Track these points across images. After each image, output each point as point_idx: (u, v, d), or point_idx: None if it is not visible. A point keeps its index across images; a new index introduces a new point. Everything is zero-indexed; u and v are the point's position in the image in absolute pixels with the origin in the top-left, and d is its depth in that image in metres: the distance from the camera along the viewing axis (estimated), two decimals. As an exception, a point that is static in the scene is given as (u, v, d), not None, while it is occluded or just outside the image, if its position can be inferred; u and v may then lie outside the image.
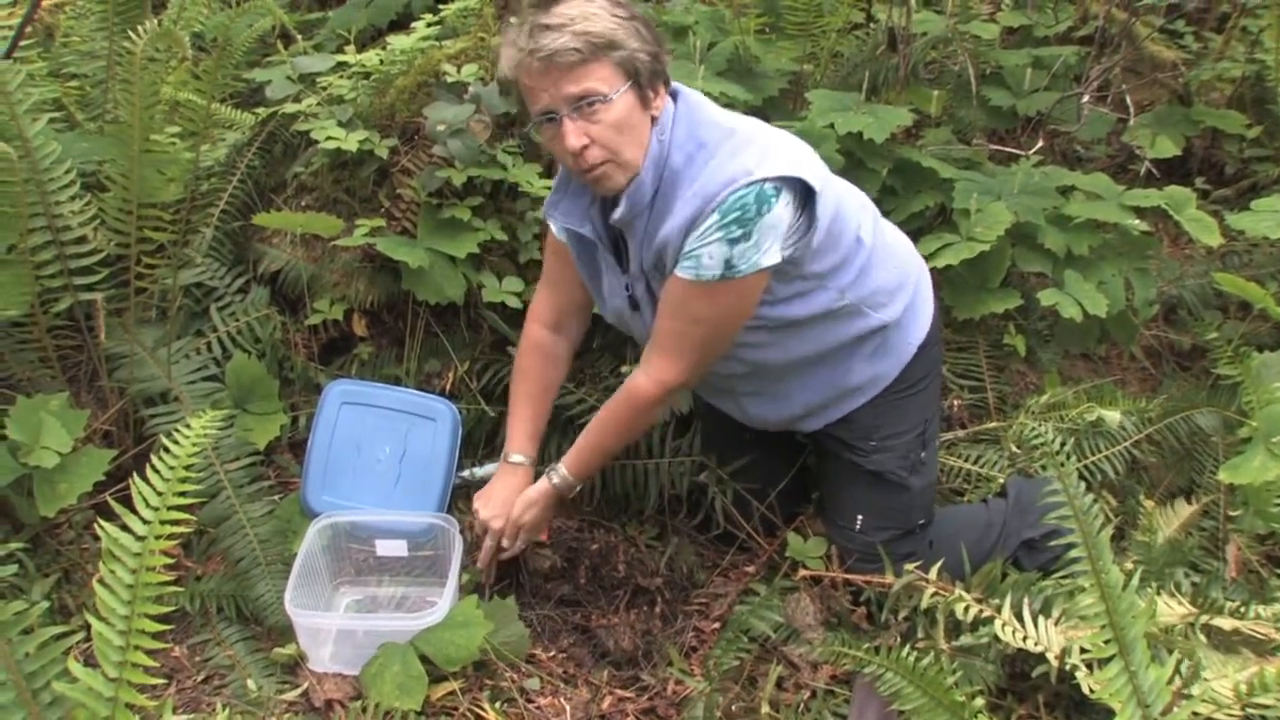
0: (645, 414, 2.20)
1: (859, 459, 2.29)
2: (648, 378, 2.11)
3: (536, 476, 2.32)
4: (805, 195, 1.95)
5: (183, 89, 2.90)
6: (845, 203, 2.10)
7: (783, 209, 1.90)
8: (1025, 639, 1.91)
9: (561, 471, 2.26)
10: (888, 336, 2.21)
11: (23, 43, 2.44)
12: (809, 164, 1.98)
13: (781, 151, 1.94)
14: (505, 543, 2.31)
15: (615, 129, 1.91)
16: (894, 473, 2.28)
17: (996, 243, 2.80)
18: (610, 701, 2.21)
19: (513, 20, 1.96)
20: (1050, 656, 1.86)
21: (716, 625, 2.40)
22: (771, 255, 1.93)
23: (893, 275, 2.20)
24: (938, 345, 2.34)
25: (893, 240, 2.27)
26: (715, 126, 1.98)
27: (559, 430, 2.75)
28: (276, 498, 2.58)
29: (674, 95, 2.02)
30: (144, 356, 2.60)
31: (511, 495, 2.30)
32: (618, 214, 2.01)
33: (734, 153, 1.91)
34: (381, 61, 2.93)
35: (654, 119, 1.96)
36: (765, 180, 1.87)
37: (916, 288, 2.27)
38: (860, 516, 2.31)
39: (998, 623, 1.94)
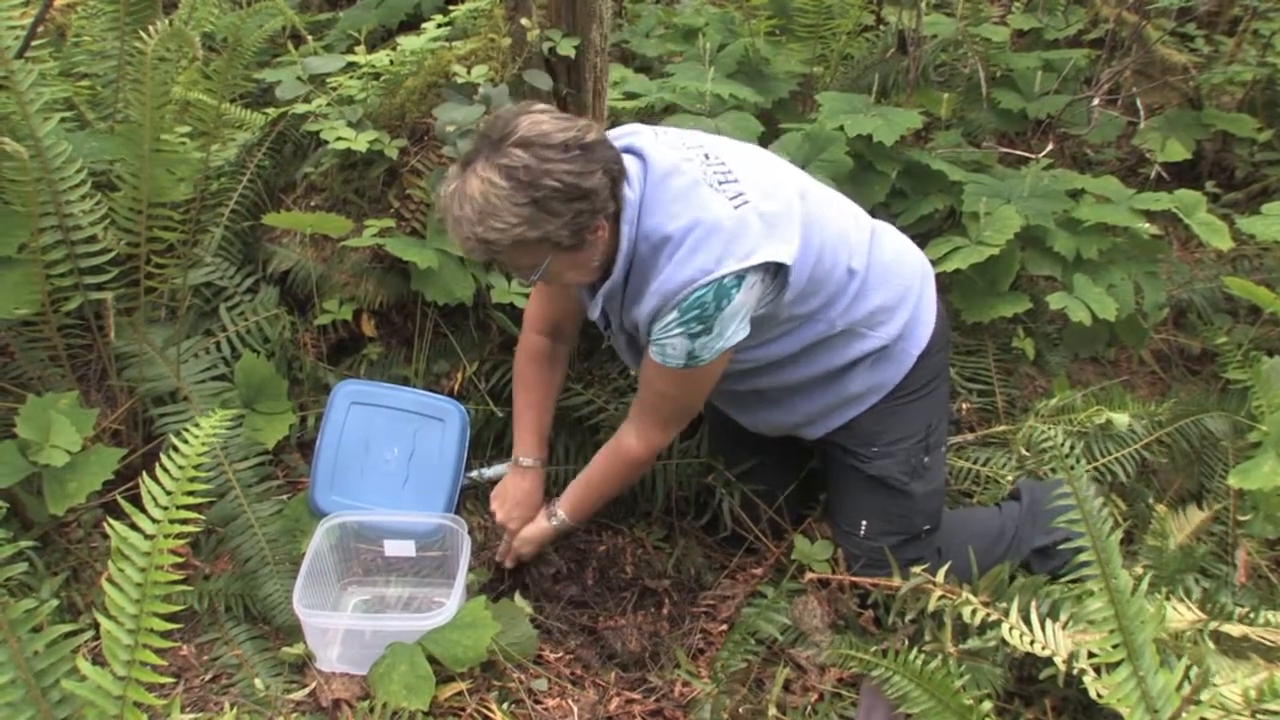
0: (636, 470, 2.32)
1: (861, 464, 2.29)
2: (636, 439, 2.21)
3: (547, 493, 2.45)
4: (776, 268, 1.96)
5: (193, 89, 2.91)
6: (830, 241, 2.08)
7: (745, 294, 1.93)
8: (1033, 643, 1.90)
9: (560, 515, 2.35)
10: (890, 349, 2.21)
11: (35, 42, 2.44)
12: (782, 229, 1.96)
13: (750, 234, 1.91)
14: (507, 564, 2.43)
15: (554, 278, 2.01)
16: (895, 478, 2.27)
17: (1006, 246, 2.80)
18: (618, 703, 2.21)
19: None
20: (1058, 661, 1.86)
21: (724, 627, 2.40)
22: (737, 335, 1.98)
23: (892, 293, 2.19)
24: (943, 351, 2.33)
25: (891, 256, 2.23)
26: (680, 213, 1.93)
27: (566, 430, 2.76)
28: (285, 497, 2.59)
29: (641, 157, 1.99)
30: (153, 356, 2.61)
31: (523, 496, 2.39)
32: (595, 312, 2.12)
33: (695, 248, 1.90)
34: (391, 62, 2.93)
35: (611, 229, 1.96)
36: (725, 276, 1.89)
37: (919, 298, 2.25)
38: (864, 522, 2.31)
39: (1005, 626, 1.94)
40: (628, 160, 1.97)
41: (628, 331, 2.15)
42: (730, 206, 1.93)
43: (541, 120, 1.84)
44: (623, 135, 2.04)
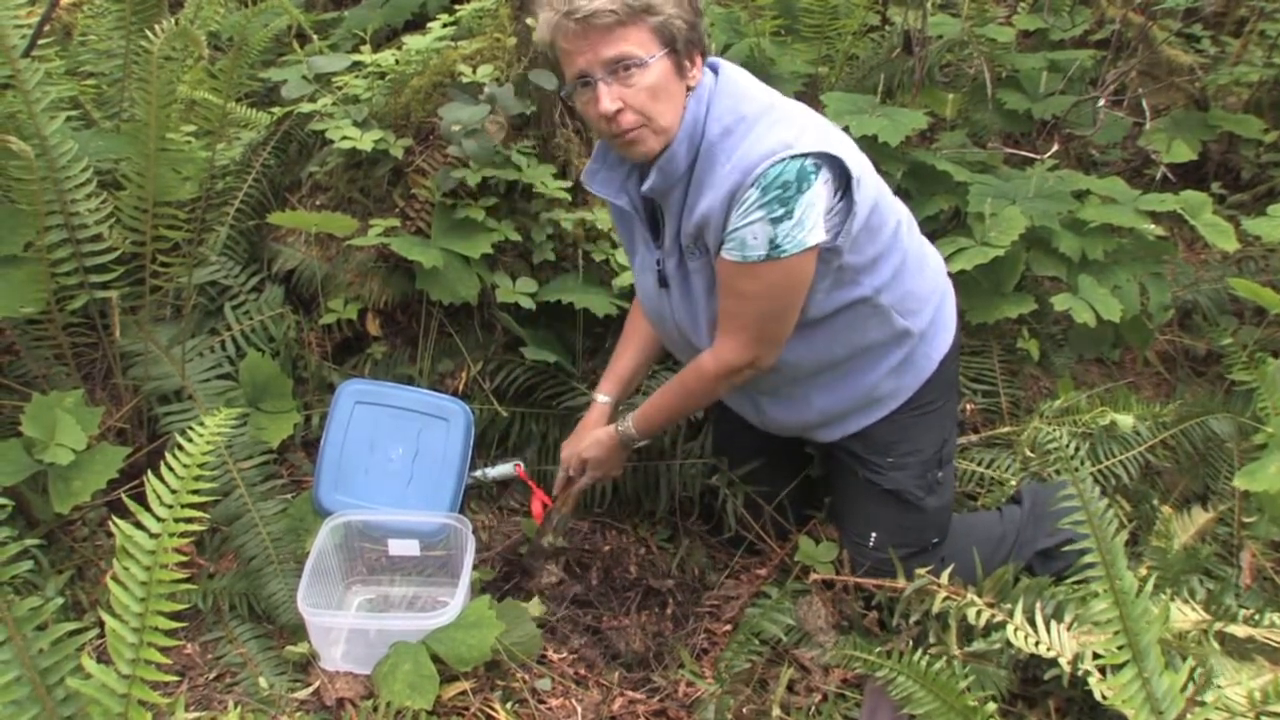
0: (708, 388, 2.17)
1: (876, 476, 2.27)
2: (712, 354, 2.10)
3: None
4: (844, 177, 1.92)
5: (199, 88, 2.92)
6: (885, 197, 2.08)
7: (822, 186, 1.87)
8: (1038, 644, 1.90)
9: (628, 423, 2.31)
10: (913, 349, 2.18)
11: (41, 41, 2.45)
12: (850, 150, 1.96)
13: (820, 131, 1.92)
14: (571, 473, 2.39)
15: (650, 94, 1.89)
16: (910, 492, 2.26)
17: (1011, 247, 2.79)
18: (621, 703, 2.20)
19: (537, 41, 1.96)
20: (1063, 662, 1.86)
21: (728, 627, 2.40)
22: (816, 233, 1.89)
23: (925, 283, 2.19)
24: (955, 363, 2.31)
25: (929, 251, 2.26)
26: (755, 100, 1.94)
27: (570, 431, 2.74)
28: (289, 496, 2.59)
29: (714, 69, 1.99)
30: (158, 354, 2.61)
31: (584, 429, 2.39)
32: (649, 184, 1.99)
33: (773, 125, 1.89)
34: (397, 61, 2.93)
35: (690, 89, 1.94)
36: (805, 155, 1.85)
37: (943, 300, 2.26)
38: (874, 533, 2.29)
39: (1010, 628, 1.93)
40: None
41: (681, 248, 2.06)
42: (802, 108, 1.97)
43: None
44: None
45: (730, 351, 2.07)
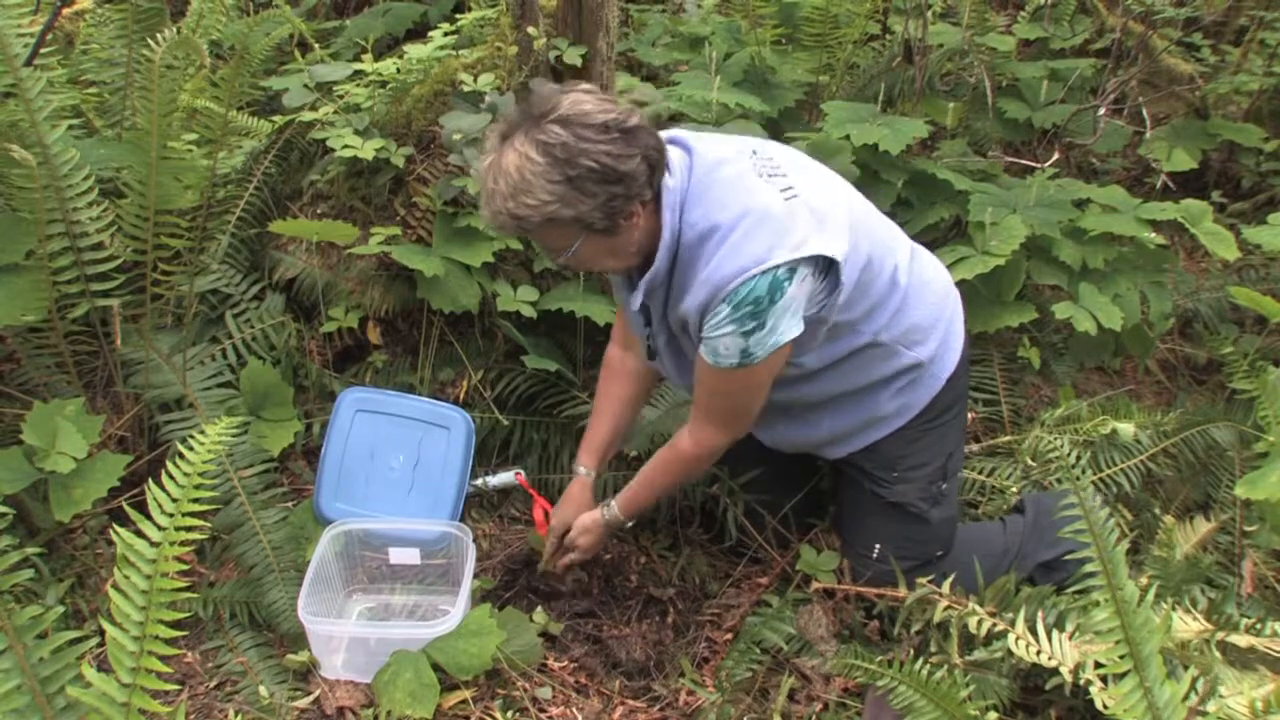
0: (689, 469, 2.26)
1: (881, 489, 2.27)
2: (690, 439, 2.16)
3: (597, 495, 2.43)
4: (827, 264, 1.92)
5: (200, 96, 2.92)
6: (877, 248, 2.05)
7: (798, 288, 1.87)
8: (1039, 653, 1.89)
9: (614, 509, 2.32)
10: (921, 371, 2.18)
11: (43, 50, 2.45)
12: (833, 225, 1.92)
13: (801, 226, 1.88)
14: (565, 544, 2.40)
15: (585, 262, 1.98)
16: (915, 504, 2.25)
17: (1012, 256, 2.80)
18: (622, 711, 2.20)
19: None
20: (1064, 671, 1.85)
21: (729, 636, 2.39)
22: (791, 330, 1.91)
23: (928, 312, 2.17)
24: (963, 377, 2.31)
25: (931, 275, 2.22)
26: (729, 203, 1.90)
27: (571, 439, 2.76)
28: (290, 505, 2.59)
29: (686, 149, 1.97)
30: (160, 363, 2.61)
31: (569, 503, 2.40)
32: (636, 302, 2.03)
33: (745, 237, 1.86)
34: (398, 70, 2.94)
35: (649, 218, 1.92)
36: (778, 266, 1.84)
37: (950, 322, 2.24)
38: (878, 546, 2.29)
39: (1011, 637, 1.93)
40: (672, 151, 1.94)
41: (670, 329, 2.10)
42: (781, 198, 1.90)
43: (584, 100, 1.81)
44: (664, 133, 2.00)
45: (708, 436, 2.15)
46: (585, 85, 1.87)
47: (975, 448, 2.86)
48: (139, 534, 1.63)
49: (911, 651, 2.08)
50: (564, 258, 1.93)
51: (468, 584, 2.24)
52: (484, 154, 1.88)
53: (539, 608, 2.38)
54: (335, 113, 2.91)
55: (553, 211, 1.81)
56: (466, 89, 2.80)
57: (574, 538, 2.36)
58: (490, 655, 2.15)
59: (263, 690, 2.18)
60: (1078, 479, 1.75)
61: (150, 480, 1.70)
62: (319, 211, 2.95)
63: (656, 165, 1.86)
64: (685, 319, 1.99)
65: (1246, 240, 3.07)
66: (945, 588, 2.08)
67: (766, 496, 2.52)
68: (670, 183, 1.91)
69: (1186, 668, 1.81)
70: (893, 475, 2.25)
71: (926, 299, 2.16)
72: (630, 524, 2.39)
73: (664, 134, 1.97)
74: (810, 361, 2.09)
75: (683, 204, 1.92)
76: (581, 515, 2.36)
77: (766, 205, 1.88)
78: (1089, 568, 1.70)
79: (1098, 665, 1.80)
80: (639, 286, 2.00)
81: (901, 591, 2.17)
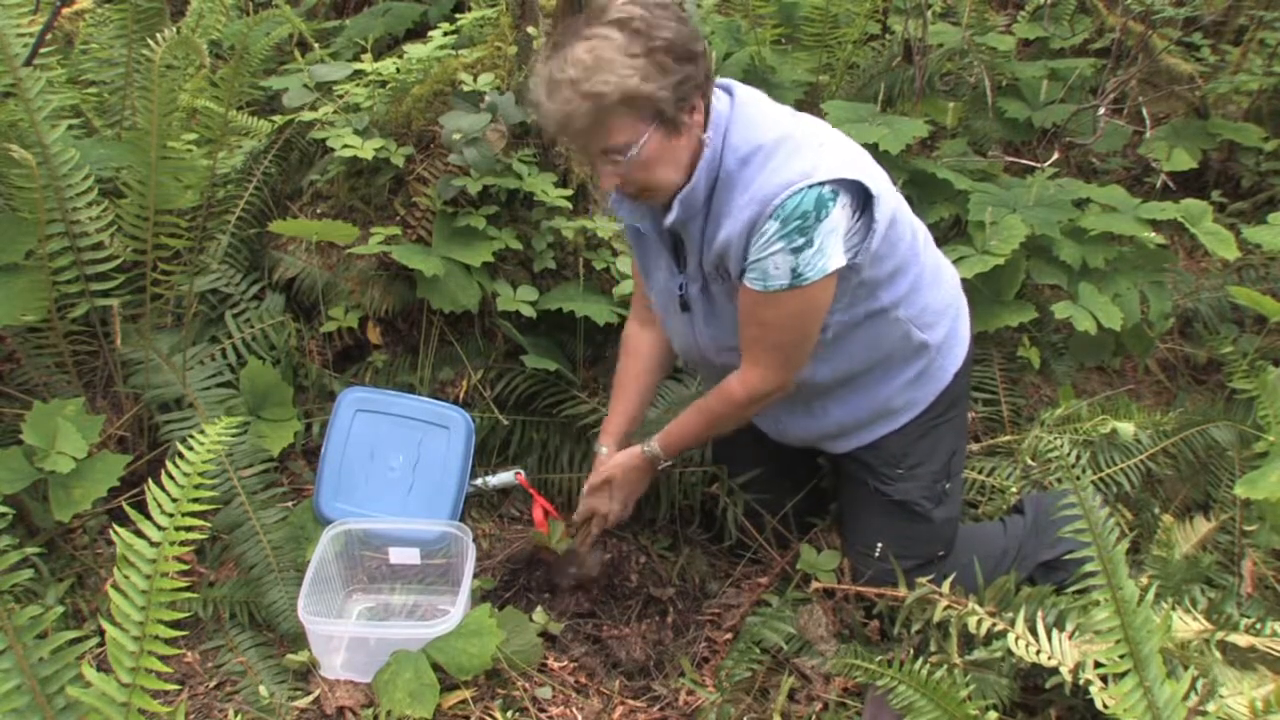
0: (735, 413, 2.19)
1: (885, 487, 2.27)
2: (740, 382, 2.11)
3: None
4: (863, 198, 1.92)
5: (200, 96, 2.92)
6: (902, 210, 2.07)
7: (840, 211, 1.87)
8: (1039, 653, 1.89)
9: (654, 445, 2.29)
10: (930, 362, 2.19)
11: (43, 49, 2.45)
12: (867, 167, 1.96)
13: (839, 153, 1.92)
14: (595, 504, 2.37)
15: (644, 168, 1.90)
16: (919, 503, 2.26)
17: (1011, 255, 2.80)
18: (622, 711, 2.20)
19: (537, 50, 1.96)
20: (1064, 671, 1.85)
21: (729, 636, 2.39)
22: (837, 258, 1.90)
23: (941, 296, 2.19)
24: (968, 376, 2.32)
25: (945, 263, 2.26)
26: (771, 128, 1.93)
27: (571, 439, 2.76)
28: (290, 504, 2.59)
29: (728, 91, 1.98)
30: (159, 362, 2.61)
31: (596, 470, 2.37)
32: (670, 218, 1.98)
33: (790, 155, 1.88)
34: (398, 70, 2.94)
35: (701, 126, 1.92)
36: (823, 183, 1.84)
37: (959, 313, 2.26)
38: (880, 544, 2.29)
39: (1011, 636, 1.93)
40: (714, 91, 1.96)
41: (704, 273, 2.06)
42: (819, 134, 1.95)
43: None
44: None
45: (758, 378, 2.09)
46: None
47: (975, 447, 2.86)
48: (139, 534, 1.63)
49: (911, 651, 2.08)
50: (626, 159, 1.88)
51: (467, 584, 2.24)
52: (540, 63, 1.87)
53: (539, 608, 2.38)
54: (335, 112, 2.91)
55: (633, 86, 1.79)
56: (466, 89, 2.80)
57: (609, 471, 2.32)
58: (490, 655, 2.15)
59: (262, 690, 2.18)
60: (1077, 479, 1.75)
61: (150, 480, 1.70)
62: (319, 211, 2.94)
63: (709, 73, 1.90)
64: (724, 250, 1.96)
65: (1246, 240, 3.07)
66: (945, 587, 2.08)
67: (766, 496, 2.52)
68: (718, 105, 1.93)
69: (1186, 667, 1.82)
70: (897, 473, 2.25)
71: (941, 281, 2.19)
72: (669, 463, 2.35)
73: None
74: (829, 324, 2.06)
75: (727, 127, 1.93)
76: (617, 454, 2.33)
77: (805, 132, 1.93)
78: (1089, 567, 1.70)
79: (1098, 665, 1.80)
80: (674, 205, 1.97)
81: (901, 591, 2.17)
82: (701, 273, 2.07)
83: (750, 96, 1.99)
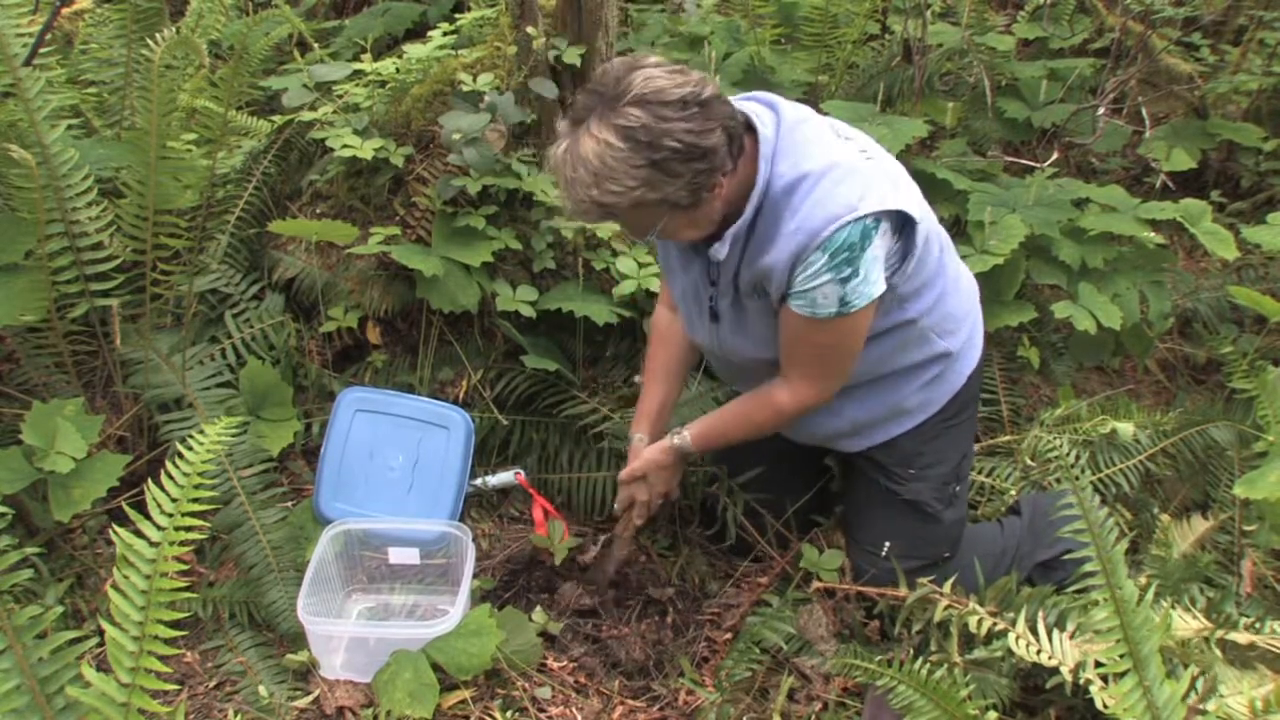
0: (777, 423, 2.20)
1: (896, 486, 2.27)
2: (790, 394, 2.11)
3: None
4: (903, 223, 1.93)
5: (200, 96, 2.92)
6: (933, 224, 2.08)
7: (881, 239, 1.89)
8: (1039, 653, 1.89)
9: (685, 436, 2.28)
10: (947, 366, 2.20)
11: (42, 49, 2.45)
12: (907, 188, 1.97)
13: (882, 179, 1.91)
14: (633, 492, 2.36)
15: (669, 235, 1.94)
16: (930, 504, 2.26)
17: (1011, 255, 2.80)
18: (621, 711, 2.20)
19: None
20: (1064, 671, 1.85)
21: (728, 636, 2.39)
22: (879, 284, 1.92)
23: (961, 301, 2.20)
24: (980, 376, 2.33)
25: (963, 269, 2.27)
26: (816, 157, 1.90)
27: (570, 439, 2.76)
28: (289, 504, 2.59)
29: (773, 109, 1.96)
30: (159, 362, 2.61)
31: (631, 459, 2.36)
32: (723, 252, 1.97)
33: (836, 183, 1.86)
34: (398, 70, 2.94)
35: (737, 176, 1.90)
36: (867, 215, 1.85)
37: (975, 320, 2.27)
38: (888, 544, 2.29)
39: (1011, 636, 1.93)
40: (758, 109, 1.94)
41: (738, 290, 2.06)
42: (861, 156, 1.93)
43: (656, 76, 1.78)
44: (745, 95, 2.02)
45: (806, 393, 2.10)
46: (652, 58, 1.84)
47: (975, 447, 2.86)
48: (138, 534, 1.63)
49: (911, 651, 2.08)
50: (649, 235, 1.92)
51: (467, 584, 2.24)
52: (556, 141, 1.85)
53: (538, 607, 2.38)
54: (334, 112, 2.91)
55: (639, 196, 1.79)
56: (466, 89, 2.80)
57: (639, 467, 2.32)
58: (490, 655, 2.15)
59: (262, 690, 2.18)
60: (1077, 479, 1.75)
61: (150, 480, 1.70)
62: (318, 211, 2.94)
63: (734, 134, 1.86)
64: (765, 274, 1.95)
65: (1246, 240, 3.07)
66: (946, 588, 2.08)
67: (769, 496, 2.52)
68: (765, 132, 1.91)
69: (1186, 666, 1.81)
70: (909, 473, 2.25)
71: (960, 290, 2.20)
72: (698, 456, 2.34)
73: (745, 95, 1.99)
74: None
75: (774, 154, 1.91)
76: (648, 449, 2.32)
77: (851, 160, 1.91)
78: (1088, 567, 1.70)
79: (1098, 664, 1.80)
80: (725, 238, 1.96)
81: (902, 591, 2.17)
82: (734, 288, 2.07)
83: (795, 117, 1.96)
